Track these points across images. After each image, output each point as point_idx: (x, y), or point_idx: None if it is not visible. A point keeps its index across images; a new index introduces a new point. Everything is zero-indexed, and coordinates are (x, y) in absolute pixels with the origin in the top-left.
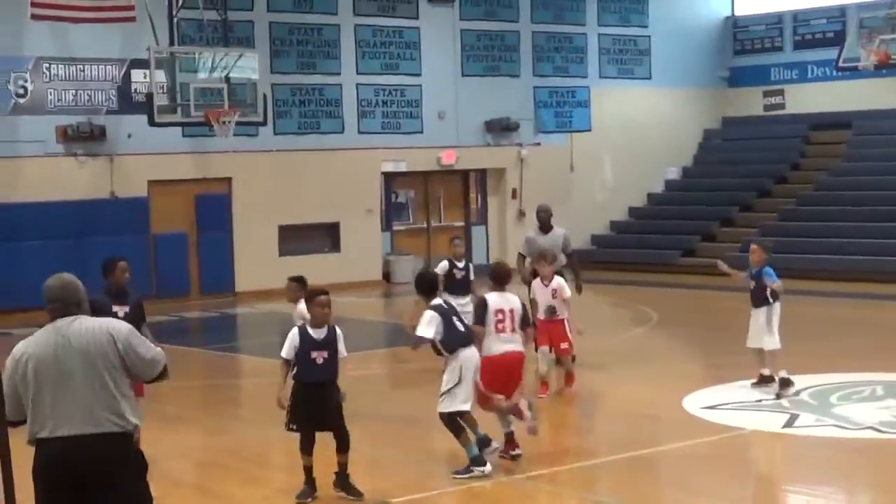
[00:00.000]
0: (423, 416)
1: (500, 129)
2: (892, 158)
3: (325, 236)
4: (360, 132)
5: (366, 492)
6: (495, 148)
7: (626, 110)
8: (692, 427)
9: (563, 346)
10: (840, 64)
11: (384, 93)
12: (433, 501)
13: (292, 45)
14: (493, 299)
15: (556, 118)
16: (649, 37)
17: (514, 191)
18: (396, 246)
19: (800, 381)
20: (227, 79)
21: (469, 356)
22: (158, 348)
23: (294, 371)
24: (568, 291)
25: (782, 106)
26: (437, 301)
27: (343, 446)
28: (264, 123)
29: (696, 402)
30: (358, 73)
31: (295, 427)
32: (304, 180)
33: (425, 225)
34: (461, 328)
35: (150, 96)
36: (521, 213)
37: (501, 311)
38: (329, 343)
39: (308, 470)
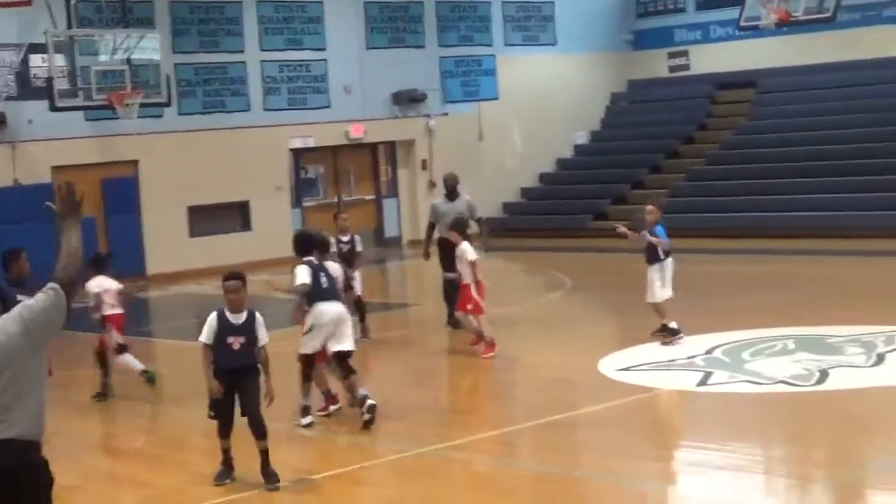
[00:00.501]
0: (340, 391)
1: (408, 100)
2: (796, 115)
3: (235, 216)
4: (266, 109)
5: (287, 469)
6: (403, 120)
7: (533, 77)
8: (608, 389)
9: (469, 307)
10: (742, 23)
11: (289, 69)
12: (355, 475)
13: (194, 24)
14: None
15: (462, 88)
16: (553, 2)
17: (423, 162)
18: (308, 222)
19: (713, 338)
20: (129, 60)
21: (323, 310)
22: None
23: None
24: (471, 255)
25: (687, 67)
26: (308, 258)
27: (259, 433)
28: (169, 104)
29: (611, 365)
30: (262, 50)
31: (213, 414)
32: (212, 160)
33: (336, 199)
34: (324, 284)
35: (49, 81)
36: (432, 184)
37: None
38: (246, 328)
39: (226, 452)
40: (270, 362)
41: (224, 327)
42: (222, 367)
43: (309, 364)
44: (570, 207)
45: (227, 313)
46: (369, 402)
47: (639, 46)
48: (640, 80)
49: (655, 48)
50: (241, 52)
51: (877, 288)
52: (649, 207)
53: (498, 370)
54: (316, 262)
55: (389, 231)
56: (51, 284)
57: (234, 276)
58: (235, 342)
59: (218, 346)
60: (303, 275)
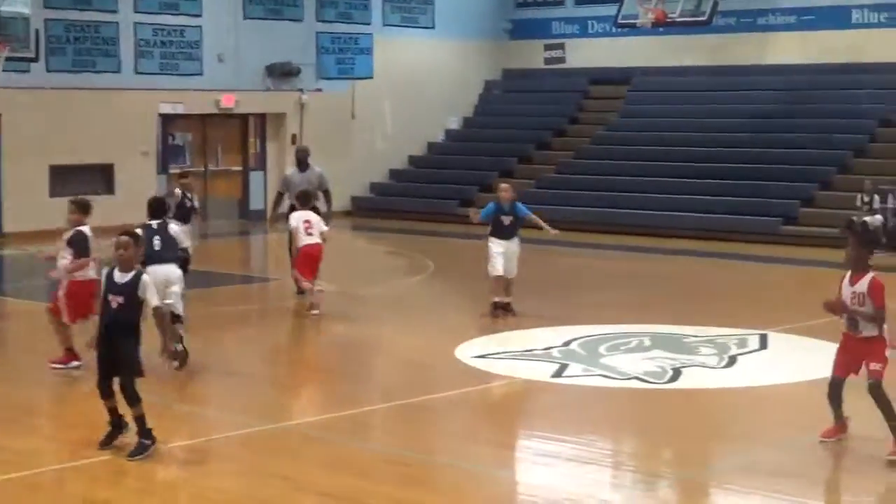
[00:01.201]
0: (197, 361)
1: (281, 73)
2: (666, 115)
3: (99, 178)
4: (137, 72)
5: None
6: (276, 93)
7: (409, 59)
8: (464, 376)
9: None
10: (619, 21)
11: (163, 33)
12: (205, 447)
13: None
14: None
15: (338, 65)
16: None
17: (293, 136)
18: (172, 189)
19: (571, 331)
20: None
21: (152, 272)
22: None
23: None
24: (323, 227)
25: (563, 60)
26: (148, 222)
27: (127, 400)
28: (36, 60)
29: (468, 351)
30: (136, 12)
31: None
32: (78, 120)
33: (203, 168)
34: (156, 248)
35: None
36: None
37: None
38: (127, 288)
39: (111, 412)
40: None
41: (109, 284)
42: (102, 323)
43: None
44: (438, 192)
45: (116, 271)
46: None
47: (516, 36)
48: (515, 69)
49: (532, 39)
50: (115, 12)
51: (736, 290)
52: (505, 186)
53: (355, 350)
54: (154, 226)
55: (255, 204)
56: None
57: (126, 234)
58: (114, 301)
59: (102, 303)
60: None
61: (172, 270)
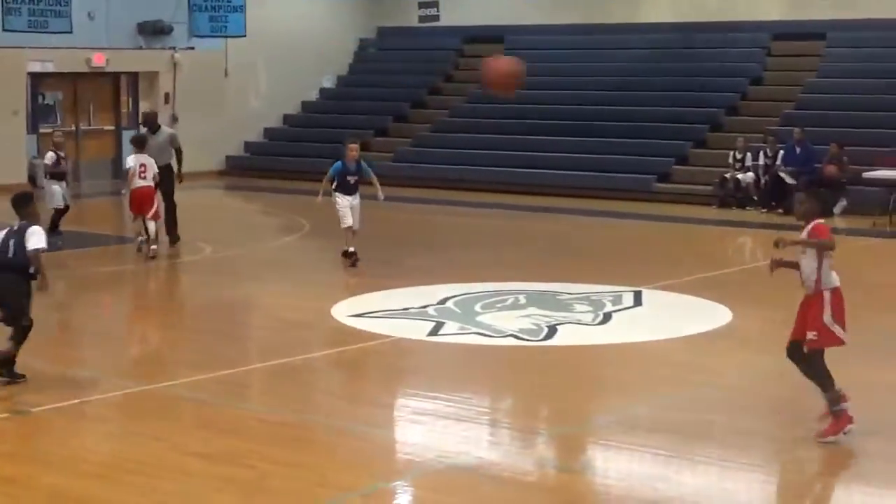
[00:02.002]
0: (66, 322)
1: (153, 31)
2: (540, 73)
3: None
4: (4, 30)
5: (5, 400)
6: (148, 51)
7: (282, 17)
8: (340, 335)
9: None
10: None
11: None
12: (76, 410)
13: None
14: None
15: (210, 23)
16: None
17: (166, 95)
18: (43, 149)
19: (446, 289)
20: None
21: None
22: None
23: None
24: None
25: (437, 18)
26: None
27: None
28: None
29: (344, 310)
30: None
31: None
32: None
33: (74, 128)
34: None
35: None
36: (175, 119)
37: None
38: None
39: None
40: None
41: None
42: None
43: None
44: (313, 151)
45: None
46: None
47: None
48: (389, 27)
49: None
50: None
51: (610, 248)
52: (353, 146)
53: (231, 310)
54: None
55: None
56: None
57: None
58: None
59: None
60: None
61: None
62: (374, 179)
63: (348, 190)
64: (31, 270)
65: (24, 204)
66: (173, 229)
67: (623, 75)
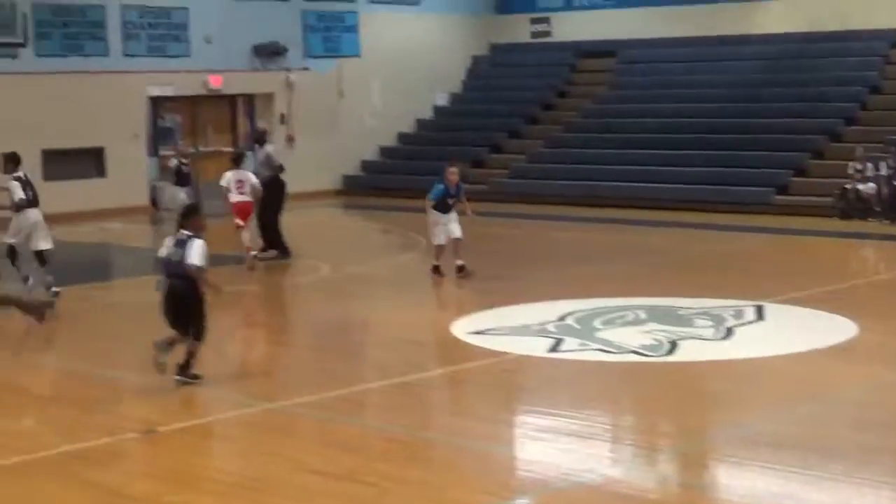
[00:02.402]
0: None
1: (269, 53)
2: (654, 87)
3: (91, 161)
4: (125, 55)
5: (135, 420)
6: (263, 72)
7: (396, 36)
8: (460, 352)
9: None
10: None
11: (150, 15)
12: (202, 429)
13: None
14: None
15: (324, 43)
16: None
17: (282, 116)
18: (163, 171)
19: (566, 305)
20: None
21: (27, 215)
22: None
23: None
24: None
25: (549, 34)
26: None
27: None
28: (24, 45)
29: (464, 328)
30: None
31: None
32: (68, 104)
33: (192, 150)
34: (29, 195)
35: None
36: (290, 139)
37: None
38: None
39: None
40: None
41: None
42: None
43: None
44: (429, 168)
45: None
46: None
47: (502, 10)
48: (502, 44)
49: (518, 13)
50: None
51: (729, 262)
52: (453, 170)
53: (350, 328)
54: (24, 177)
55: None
56: None
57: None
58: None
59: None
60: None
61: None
62: (465, 200)
63: (446, 209)
64: None
65: (190, 215)
66: (278, 242)
67: (738, 87)
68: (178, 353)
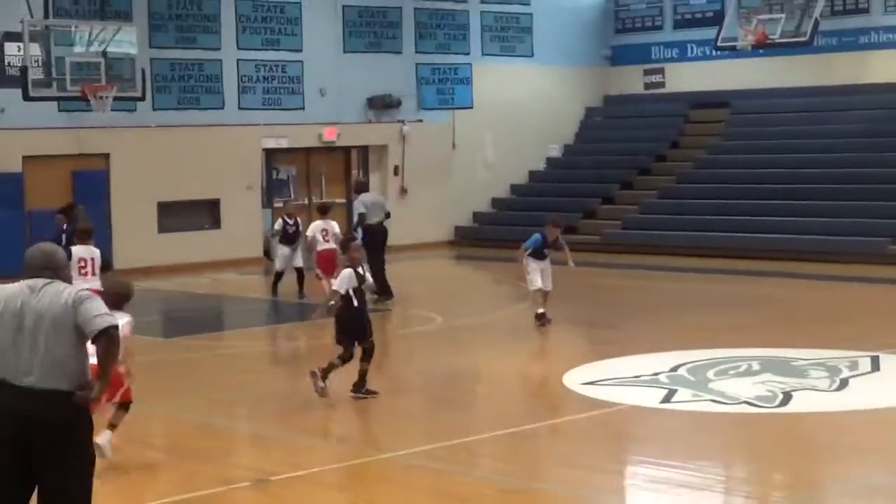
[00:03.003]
0: (306, 392)
1: (383, 105)
2: (768, 137)
3: (206, 213)
4: (240, 108)
5: (247, 469)
6: (377, 124)
7: (509, 88)
8: (572, 402)
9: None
10: (719, 43)
11: (265, 68)
12: (314, 478)
13: (171, 20)
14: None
15: (438, 95)
16: (531, 14)
17: (396, 167)
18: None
19: (678, 356)
20: (105, 53)
21: None
22: (108, 315)
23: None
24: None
25: (662, 84)
26: None
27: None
28: (143, 98)
29: (576, 378)
30: (239, 49)
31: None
32: (184, 156)
33: (306, 202)
34: None
35: (24, 70)
36: (404, 190)
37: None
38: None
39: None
40: None
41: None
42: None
43: None
44: (541, 220)
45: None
46: None
47: (615, 62)
48: (615, 95)
49: (631, 64)
50: (218, 49)
51: (844, 312)
52: (555, 228)
53: (462, 379)
54: None
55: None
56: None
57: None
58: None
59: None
60: None
61: None
62: (566, 249)
63: (541, 257)
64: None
65: (345, 249)
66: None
67: (852, 136)
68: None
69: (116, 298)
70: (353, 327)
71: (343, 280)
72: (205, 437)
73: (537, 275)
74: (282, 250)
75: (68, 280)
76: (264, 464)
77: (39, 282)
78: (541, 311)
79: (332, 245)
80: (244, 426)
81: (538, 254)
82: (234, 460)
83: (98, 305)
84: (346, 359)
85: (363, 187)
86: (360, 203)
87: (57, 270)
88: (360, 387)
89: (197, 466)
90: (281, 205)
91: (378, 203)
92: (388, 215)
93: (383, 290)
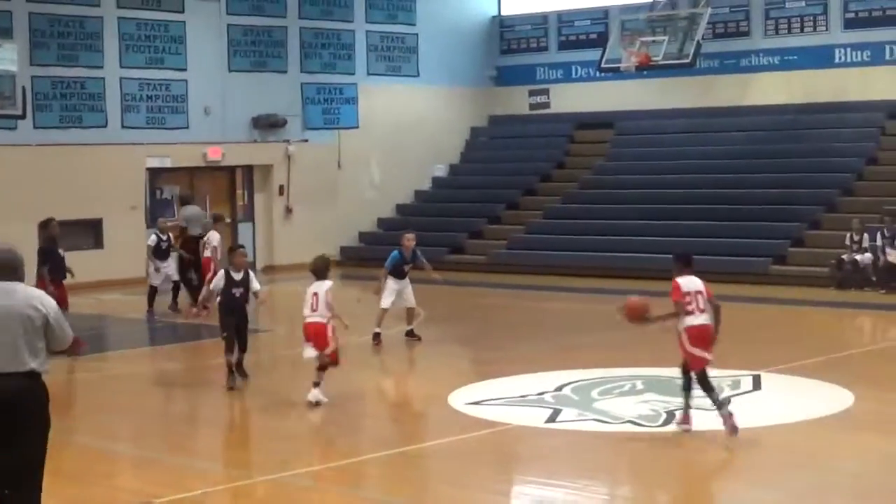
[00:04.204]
0: (189, 413)
1: (268, 125)
2: (651, 158)
3: (88, 233)
4: (123, 127)
5: (128, 492)
6: (262, 144)
7: (394, 108)
8: (458, 423)
9: None
10: (603, 65)
11: (149, 87)
12: (199, 501)
13: (53, 37)
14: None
15: (323, 115)
16: (417, 35)
17: (281, 187)
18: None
19: (563, 376)
20: None
21: None
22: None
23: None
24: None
25: (547, 105)
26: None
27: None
28: (23, 117)
29: (461, 398)
30: (121, 67)
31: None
32: (66, 176)
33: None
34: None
35: None
36: (289, 210)
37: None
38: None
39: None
40: None
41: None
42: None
43: None
44: (427, 240)
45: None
46: None
47: (500, 83)
48: (500, 115)
49: (517, 85)
50: (101, 67)
51: (727, 332)
52: (410, 237)
53: (346, 400)
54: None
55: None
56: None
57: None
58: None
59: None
60: None
61: None
62: (427, 265)
63: (400, 275)
64: None
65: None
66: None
67: (735, 157)
68: None
69: (323, 268)
70: (229, 321)
71: (217, 280)
72: (87, 459)
73: (389, 295)
74: (155, 265)
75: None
76: (148, 486)
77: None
78: (377, 330)
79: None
80: (128, 448)
81: (398, 272)
82: (118, 483)
83: (61, 319)
84: (228, 348)
85: (187, 200)
86: (182, 217)
87: (17, 271)
88: (239, 368)
89: (79, 490)
90: (169, 224)
91: (197, 216)
92: (205, 228)
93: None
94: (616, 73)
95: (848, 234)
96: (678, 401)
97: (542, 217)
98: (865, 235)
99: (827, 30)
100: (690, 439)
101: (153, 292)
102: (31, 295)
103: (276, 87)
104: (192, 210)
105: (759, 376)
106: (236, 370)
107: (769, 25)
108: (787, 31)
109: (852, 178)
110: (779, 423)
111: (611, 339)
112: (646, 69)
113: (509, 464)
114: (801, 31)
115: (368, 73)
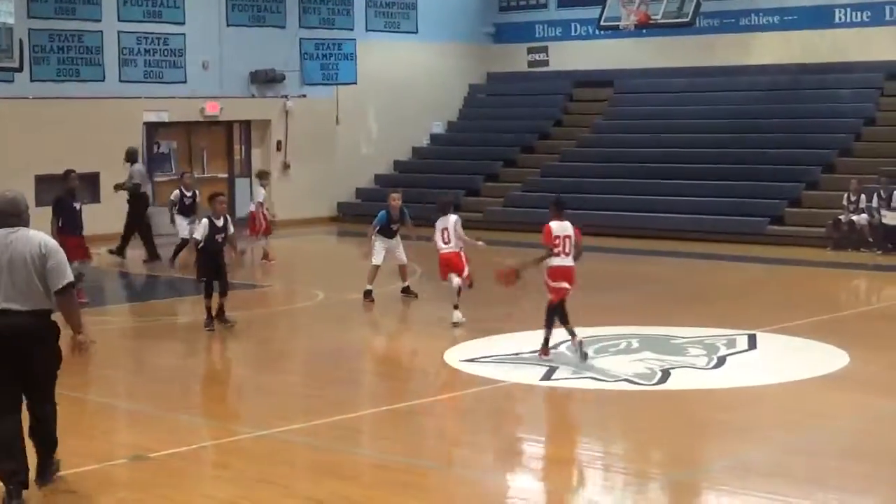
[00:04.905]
0: (186, 370)
1: (266, 80)
2: (650, 117)
3: (85, 187)
4: (121, 81)
5: (125, 446)
6: (260, 99)
7: (392, 64)
8: (452, 380)
9: None
10: (602, 23)
11: (147, 41)
12: (193, 455)
13: None
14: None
15: (321, 70)
16: None
17: (279, 143)
18: (158, 197)
19: (559, 334)
20: None
21: None
22: (68, 274)
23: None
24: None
25: (546, 63)
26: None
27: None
28: (20, 69)
29: (456, 355)
30: (119, 20)
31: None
32: (63, 129)
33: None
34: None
35: None
36: (286, 166)
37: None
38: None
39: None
40: None
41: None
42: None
43: None
44: (424, 197)
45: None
46: None
47: (499, 40)
48: (499, 73)
49: (515, 42)
50: (98, 20)
51: (723, 291)
52: (395, 195)
53: (342, 356)
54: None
55: (241, 211)
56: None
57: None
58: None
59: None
60: None
61: None
62: (410, 224)
63: (389, 235)
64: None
65: (211, 201)
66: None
67: (733, 117)
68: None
69: (448, 203)
70: (210, 266)
71: (201, 228)
72: (83, 413)
73: (380, 253)
74: (180, 221)
75: (27, 223)
76: (143, 440)
77: (8, 231)
78: (368, 287)
79: (451, 249)
80: (123, 403)
81: (387, 231)
82: (113, 437)
83: (62, 261)
84: (208, 293)
85: (134, 157)
86: (135, 171)
87: (21, 216)
88: (221, 316)
89: (74, 443)
90: (164, 179)
91: (144, 172)
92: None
93: (152, 255)
94: (615, 31)
95: (845, 195)
96: (674, 359)
97: (540, 175)
98: (862, 196)
99: None
100: (686, 398)
101: (183, 244)
102: (35, 237)
103: (274, 43)
104: (139, 167)
105: (754, 336)
106: (218, 317)
107: None
108: None
109: (850, 139)
110: (774, 383)
111: (607, 299)
112: (645, 28)
113: (503, 421)
114: None
115: (367, 29)
